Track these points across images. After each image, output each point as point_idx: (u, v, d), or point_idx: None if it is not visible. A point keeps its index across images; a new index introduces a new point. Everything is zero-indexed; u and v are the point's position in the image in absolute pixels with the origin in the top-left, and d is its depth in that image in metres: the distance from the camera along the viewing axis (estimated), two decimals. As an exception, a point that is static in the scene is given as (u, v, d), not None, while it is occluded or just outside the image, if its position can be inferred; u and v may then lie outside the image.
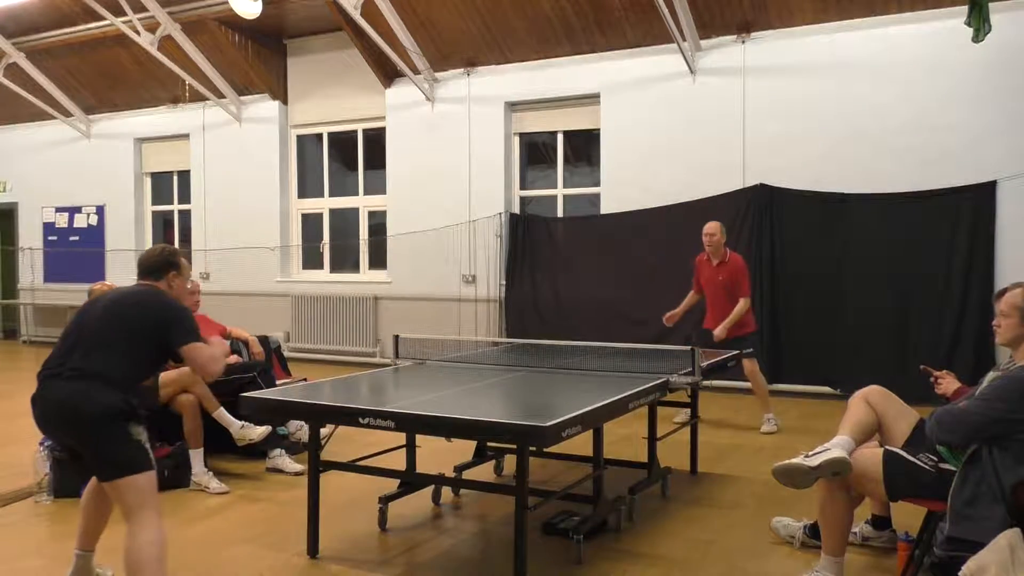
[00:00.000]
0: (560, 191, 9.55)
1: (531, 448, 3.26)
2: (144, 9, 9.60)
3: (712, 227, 6.39)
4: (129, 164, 12.34)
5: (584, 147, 9.57)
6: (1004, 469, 2.76)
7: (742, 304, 6.23)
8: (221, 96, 11.13)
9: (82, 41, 10.91)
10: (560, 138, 9.49)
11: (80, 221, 12.85)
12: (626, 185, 8.74)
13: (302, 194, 11.25)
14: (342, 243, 11.01)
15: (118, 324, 2.99)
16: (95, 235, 12.67)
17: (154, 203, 12.53)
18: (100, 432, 2.83)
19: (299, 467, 4.98)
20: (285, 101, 11.10)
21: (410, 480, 4.22)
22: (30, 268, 13.25)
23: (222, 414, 4.89)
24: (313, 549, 3.65)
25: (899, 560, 3.38)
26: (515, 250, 9.36)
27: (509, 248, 9.39)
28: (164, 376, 4.89)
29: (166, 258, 3.30)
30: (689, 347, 4.32)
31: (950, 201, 7.30)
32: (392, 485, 4.17)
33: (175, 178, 12.22)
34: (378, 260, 10.55)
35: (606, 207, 8.91)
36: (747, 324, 6.36)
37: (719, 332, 6.20)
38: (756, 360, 6.33)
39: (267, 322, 10.26)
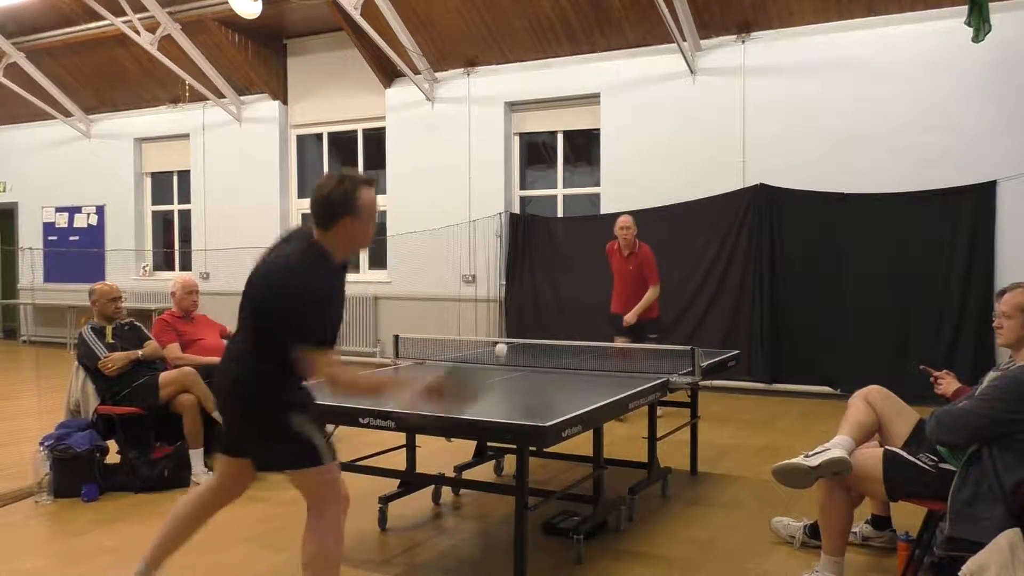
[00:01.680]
0: (560, 191, 9.55)
1: (531, 448, 3.25)
2: (144, 9, 9.61)
3: (627, 220, 6.79)
4: (129, 164, 12.34)
5: (584, 147, 9.57)
6: (1004, 469, 2.76)
7: (652, 291, 6.61)
8: (221, 96, 11.13)
9: (82, 41, 10.92)
10: (560, 138, 9.48)
11: (80, 221, 12.86)
12: (626, 185, 8.74)
13: (302, 194, 11.24)
14: (342, 243, 10.99)
15: (248, 306, 2.67)
16: (95, 235, 12.68)
17: (154, 203, 12.54)
18: (255, 419, 2.66)
19: (299, 467, 4.97)
20: (285, 101, 11.10)
21: (410, 480, 4.22)
22: (30, 268, 13.24)
23: (223, 414, 4.88)
24: (313, 549, 3.64)
25: (899, 560, 3.38)
26: (515, 250, 9.36)
27: (509, 248, 9.39)
28: (164, 376, 4.91)
29: (342, 198, 2.54)
30: (689, 347, 4.33)
31: (950, 201, 7.30)
32: (392, 485, 4.17)
33: (175, 178, 12.23)
34: (378, 260, 10.55)
35: (606, 207, 8.90)
36: (653, 309, 6.73)
37: (629, 317, 6.61)
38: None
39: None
